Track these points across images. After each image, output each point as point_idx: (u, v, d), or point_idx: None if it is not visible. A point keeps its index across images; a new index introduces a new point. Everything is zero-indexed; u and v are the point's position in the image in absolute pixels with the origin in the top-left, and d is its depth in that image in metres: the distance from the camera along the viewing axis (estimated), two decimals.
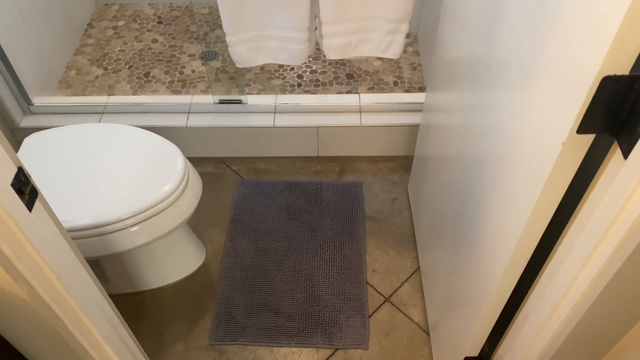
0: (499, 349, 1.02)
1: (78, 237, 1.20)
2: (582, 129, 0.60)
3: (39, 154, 1.31)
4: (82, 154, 1.30)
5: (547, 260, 0.79)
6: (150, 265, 1.44)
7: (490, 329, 1.01)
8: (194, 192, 1.32)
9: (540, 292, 0.80)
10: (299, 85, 1.93)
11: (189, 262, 1.52)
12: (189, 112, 1.72)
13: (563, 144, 0.62)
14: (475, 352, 1.06)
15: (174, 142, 1.72)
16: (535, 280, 0.86)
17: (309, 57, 1.45)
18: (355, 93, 1.90)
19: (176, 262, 1.49)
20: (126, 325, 0.97)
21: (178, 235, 1.45)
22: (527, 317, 0.87)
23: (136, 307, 1.45)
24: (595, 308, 0.66)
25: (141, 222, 1.22)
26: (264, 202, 1.68)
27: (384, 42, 1.40)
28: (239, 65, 1.45)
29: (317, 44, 1.47)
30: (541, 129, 0.68)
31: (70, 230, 1.18)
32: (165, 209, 1.24)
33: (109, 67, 2.01)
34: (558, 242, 0.74)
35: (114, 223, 1.20)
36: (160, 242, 1.39)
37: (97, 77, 1.97)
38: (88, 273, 0.82)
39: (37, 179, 1.23)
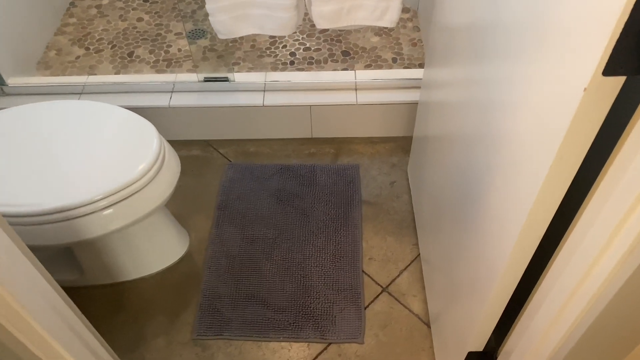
0: (506, 344, 0.90)
1: (44, 221, 1.09)
2: (609, 69, 0.48)
3: (1, 132, 1.20)
4: (49, 132, 1.20)
5: (564, 238, 0.67)
6: (129, 255, 1.34)
7: (496, 321, 0.90)
8: (171, 173, 1.20)
9: (556, 274, 0.69)
10: (292, 63, 1.81)
11: (171, 251, 1.42)
12: (172, 91, 1.60)
13: (585, 89, 0.50)
14: (479, 347, 0.95)
15: (156, 124, 1.61)
16: (548, 263, 0.75)
17: (301, 31, 1.34)
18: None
19: (157, 251, 1.38)
20: (86, 321, 0.86)
21: (159, 222, 1.34)
22: (540, 305, 0.75)
23: (114, 299, 1.35)
24: (626, 291, 0.55)
25: (114, 204, 1.12)
26: (253, 187, 1.57)
27: (378, 9, 1.28)
28: (221, 36, 1.34)
29: (306, 13, 1.36)
30: (558, 77, 0.56)
31: (35, 215, 1.08)
32: (140, 190, 1.13)
33: (91, 47, 1.90)
34: (579, 213, 0.62)
35: (84, 206, 1.09)
36: (138, 228, 1.29)
37: (78, 57, 1.87)
38: (31, 262, 0.71)
39: None
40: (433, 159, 1.25)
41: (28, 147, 1.17)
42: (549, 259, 0.75)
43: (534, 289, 0.81)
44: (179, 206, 1.53)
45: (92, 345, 0.84)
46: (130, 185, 1.11)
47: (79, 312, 0.84)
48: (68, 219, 1.10)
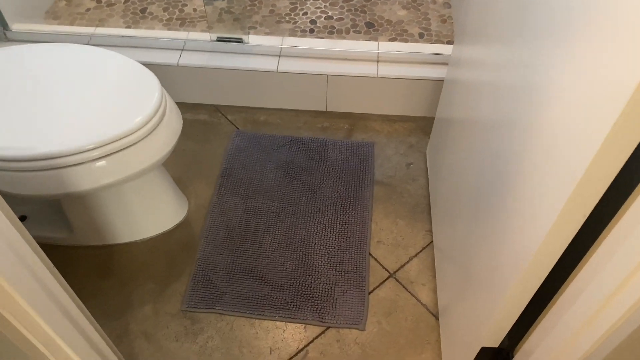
0: (526, 342, 0.80)
1: (32, 168, 1.01)
2: None
3: None
4: (45, 75, 1.11)
5: (605, 232, 0.57)
6: (122, 216, 1.25)
7: (517, 317, 0.80)
8: (171, 130, 1.11)
9: (594, 271, 0.59)
10: (311, 31, 1.71)
11: (168, 216, 1.33)
12: (182, 50, 1.51)
13: None
14: (494, 342, 0.85)
15: (164, 83, 1.52)
16: (583, 259, 0.64)
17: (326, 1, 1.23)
18: None
19: (152, 215, 1.30)
20: (63, 281, 0.77)
21: (156, 184, 1.26)
22: (571, 304, 0.65)
23: (103, 262, 1.27)
24: None
25: (106, 156, 1.03)
26: (259, 157, 1.48)
27: None
28: None
29: None
30: (609, 62, 0.45)
31: (22, 160, 0.99)
32: (135, 143, 1.04)
33: (103, 0, 1.81)
34: (625, 205, 0.52)
35: (74, 154, 1.00)
36: (133, 188, 1.20)
37: (88, 9, 1.78)
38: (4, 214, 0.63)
39: None
40: (456, 142, 1.15)
41: (21, 88, 1.08)
42: (583, 255, 0.65)
43: (562, 285, 0.71)
44: (180, 170, 1.44)
45: (67, 306, 0.76)
46: (125, 137, 1.03)
47: (56, 270, 0.75)
48: (57, 168, 1.01)
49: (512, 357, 0.83)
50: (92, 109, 1.06)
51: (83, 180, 1.05)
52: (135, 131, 1.04)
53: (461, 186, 1.08)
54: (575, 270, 0.68)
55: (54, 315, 0.68)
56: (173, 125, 1.13)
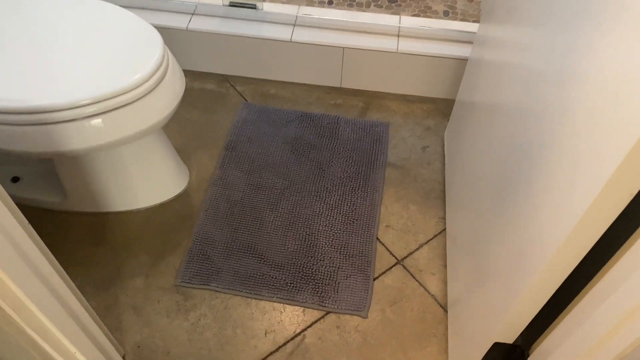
0: (545, 340, 0.72)
1: (22, 122, 0.94)
2: None
3: None
4: (42, 23, 1.04)
5: None
6: (118, 183, 1.19)
7: (536, 313, 0.71)
8: (172, 91, 1.04)
9: (630, 265, 0.51)
10: (330, 2, 1.62)
11: (167, 186, 1.26)
12: (192, 14, 1.43)
13: None
14: (509, 338, 0.77)
15: (171, 48, 1.45)
16: (618, 252, 0.56)
17: None
18: None
19: (151, 184, 1.23)
20: (35, 236, 0.71)
21: (156, 151, 1.19)
22: (603, 300, 0.57)
23: (96, 229, 1.21)
24: None
25: (101, 113, 0.96)
26: (267, 131, 1.40)
27: None
28: None
29: None
30: None
31: (12, 112, 0.93)
32: (133, 102, 0.97)
33: None
34: None
35: (68, 109, 0.94)
36: (131, 154, 1.14)
37: None
38: None
39: None
40: (477, 128, 1.07)
41: (16, 36, 1.02)
42: (615, 251, 0.57)
43: (590, 282, 0.63)
44: (183, 140, 1.38)
45: (39, 265, 0.69)
46: (122, 94, 0.95)
47: (31, 228, 0.69)
48: (49, 123, 0.95)
49: (528, 356, 0.75)
50: (89, 63, 0.99)
51: (76, 138, 0.98)
52: (134, 89, 0.96)
53: (481, 174, 0.99)
54: (606, 266, 0.60)
55: (21, 271, 0.62)
56: (174, 87, 1.06)
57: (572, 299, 0.67)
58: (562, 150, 0.61)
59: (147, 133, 1.04)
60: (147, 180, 1.22)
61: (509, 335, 0.76)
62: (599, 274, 0.61)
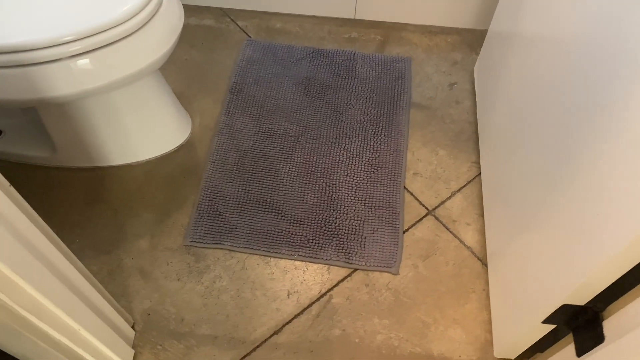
0: (630, 305, 0.61)
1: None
2: None
3: None
4: None
5: None
6: (114, 134, 1.05)
7: (624, 273, 0.60)
8: (168, 25, 0.89)
9: None
10: None
11: (168, 136, 1.13)
12: None
13: None
14: (580, 300, 0.66)
15: None
16: None
17: None
18: None
19: (150, 134, 1.10)
20: (22, 203, 0.58)
21: (154, 97, 1.05)
22: None
23: (92, 186, 1.08)
24: None
25: (88, 52, 0.82)
26: (275, 71, 1.25)
27: None
28: None
29: None
30: None
31: None
32: (123, 38, 0.83)
33: None
34: None
35: (48, 47, 0.79)
36: (126, 101, 1.00)
37: None
38: None
39: None
40: (519, 61, 0.93)
41: None
42: None
43: None
44: (182, 84, 1.23)
45: (30, 237, 0.57)
46: (111, 28, 0.81)
47: (11, 189, 0.56)
48: (29, 64, 0.81)
49: (603, 320, 0.66)
50: None
51: (61, 82, 0.84)
52: (123, 22, 0.81)
53: (521, 113, 0.86)
54: None
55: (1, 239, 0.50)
56: (171, 20, 0.90)
57: None
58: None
59: (142, 75, 0.90)
60: (145, 130, 1.08)
61: (582, 297, 0.65)
62: None
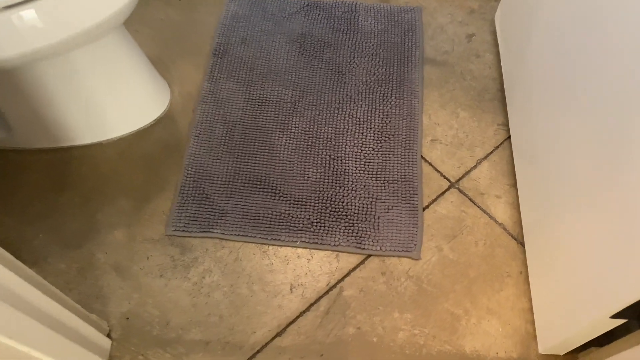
0: None
1: None
2: None
3: None
4: None
5: None
6: (80, 108, 0.89)
7: None
8: None
9: None
10: None
11: (144, 108, 0.97)
12: None
13: None
14: None
15: None
16: None
17: None
18: None
19: (122, 106, 0.94)
20: None
21: (125, 63, 0.88)
22: None
23: (57, 170, 0.93)
24: None
25: (32, 0, 0.65)
26: (265, 28, 1.08)
27: None
28: None
29: None
30: None
31: None
32: None
33: None
34: None
35: None
36: (91, 67, 0.83)
37: None
38: None
39: None
40: (551, 5, 0.76)
41: None
42: None
43: None
44: (158, 48, 1.06)
45: None
46: None
47: None
48: None
49: None
50: None
51: (3, 42, 0.68)
52: None
53: (571, 60, 0.70)
54: None
55: None
56: None
57: None
58: None
59: (102, 31, 0.73)
60: (116, 102, 0.92)
61: None
62: None
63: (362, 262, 0.84)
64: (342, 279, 0.83)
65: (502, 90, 1.00)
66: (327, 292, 0.82)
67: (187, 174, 0.91)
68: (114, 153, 0.94)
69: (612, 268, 0.57)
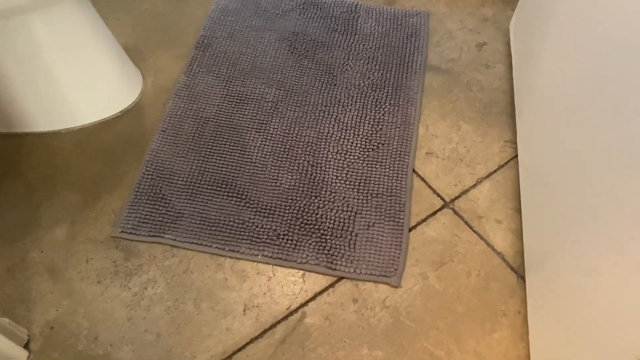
0: None
1: None
2: None
3: None
4: None
5: None
6: (38, 92, 0.81)
7: None
8: None
9: None
10: None
11: (111, 97, 0.88)
12: None
13: None
14: None
15: None
16: None
17: None
18: None
19: (86, 92, 0.85)
20: None
21: (90, 43, 0.80)
22: None
23: (3, 157, 0.84)
24: None
25: None
26: (255, 24, 1.00)
27: None
28: None
29: None
30: None
31: None
32: None
33: None
34: None
35: None
36: (50, 44, 0.76)
37: None
38: None
39: None
40: (572, 13, 0.65)
41: None
42: None
43: None
44: (138, 36, 0.98)
45: None
46: None
47: None
48: None
49: None
50: None
51: None
52: None
53: (593, 76, 0.58)
54: None
55: None
56: None
57: None
58: None
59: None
60: (78, 88, 0.84)
61: None
62: None
63: (331, 285, 0.72)
64: (306, 303, 0.70)
65: (512, 104, 0.89)
66: (286, 317, 0.69)
67: (146, 170, 0.81)
68: (71, 143, 0.85)
69: (630, 315, 0.43)
